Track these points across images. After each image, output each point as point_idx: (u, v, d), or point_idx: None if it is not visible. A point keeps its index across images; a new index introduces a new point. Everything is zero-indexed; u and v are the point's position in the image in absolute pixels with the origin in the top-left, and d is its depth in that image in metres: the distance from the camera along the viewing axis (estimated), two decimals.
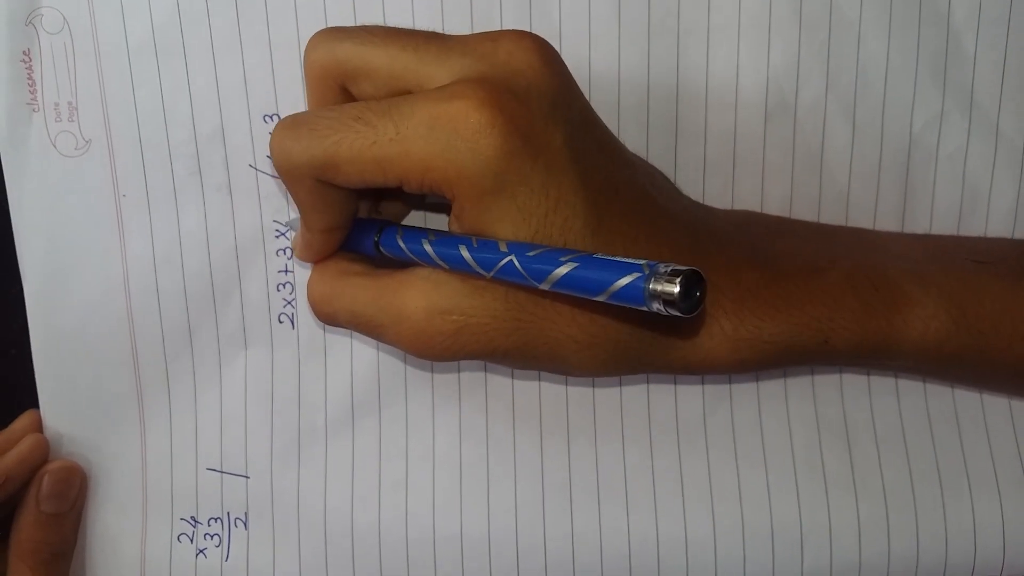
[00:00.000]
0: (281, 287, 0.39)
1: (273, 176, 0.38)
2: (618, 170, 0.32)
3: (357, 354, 0.40)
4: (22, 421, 0.40)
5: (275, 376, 0.40)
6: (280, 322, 0.39)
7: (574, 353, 0.31)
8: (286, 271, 0.39)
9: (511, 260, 0.28)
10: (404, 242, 0.32)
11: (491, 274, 0.28)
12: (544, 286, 0.27)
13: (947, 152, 0.38)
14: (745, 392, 0.39)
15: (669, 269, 0.24)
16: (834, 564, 0.39)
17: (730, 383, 0.39)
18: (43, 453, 0.39)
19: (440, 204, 0.38)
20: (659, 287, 0.24)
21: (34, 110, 0.38)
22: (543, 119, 0.29)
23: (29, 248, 0.39)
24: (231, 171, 0.38)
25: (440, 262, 0.30)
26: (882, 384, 0.40)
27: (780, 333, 0.32)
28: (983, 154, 0.38)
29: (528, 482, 0.40)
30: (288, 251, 0.39)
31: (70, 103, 0.38)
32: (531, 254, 0.27)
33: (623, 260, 0.25)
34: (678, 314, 0.24)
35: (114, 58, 0.37)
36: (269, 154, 0.32)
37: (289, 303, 0.39)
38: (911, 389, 0.40)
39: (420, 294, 0.30)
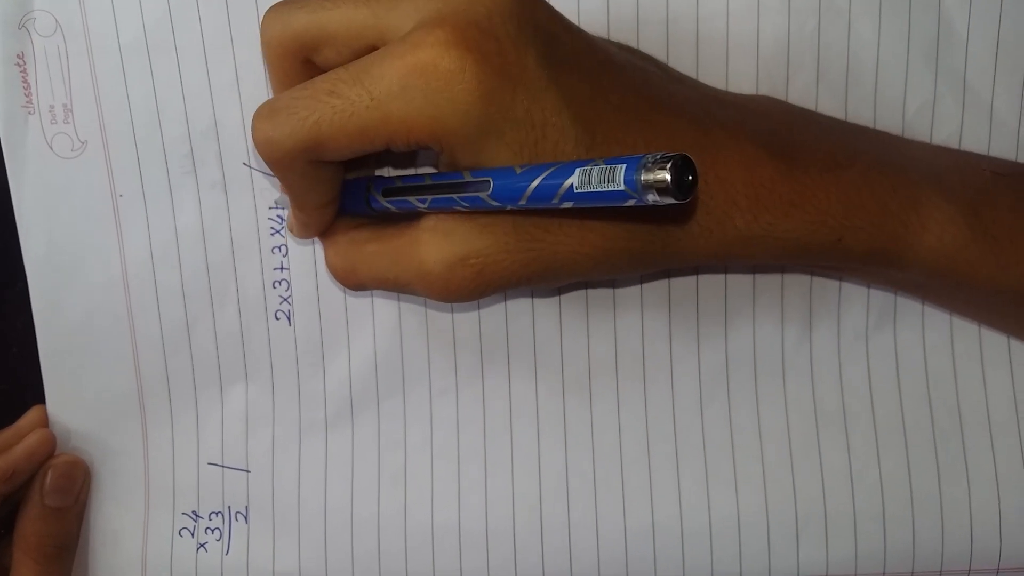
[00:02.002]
0: (277, 284, 0.40)
1: (267, 174, 0.39)
2: (604, 74, 0.31)
3: (355, 349, 0.40)
4: (29, 417, 0.41)
5: (274, 372, 0.40)
6: (277, 319, 0.40)
7: (591, 268, 0.31)
8: (282, 268, 0.39)
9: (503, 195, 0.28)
10: (397, 196, 0.32)
11: (507, 207, 0.28)
12: (522, 203, 0.27)
13: (941, 137, 0.37)
14: (743, 381, 0.39)
15: (658, 157, 0.23)
16: (830, 555, 0.39)
17: (726, 359, 0.39)
18: (49, 448, 0.40)
19: None
20: (650, 177, 0.23)
21: (30, 113, 0.38)
22: (512, 43, 0.28)
23: (32, 249, 0.39)
24: (225, 169, 0.39)
25: (433, 208, 0.30)
26: (882, 370, 0.39)
27: (794, 230, 0.31)
28: (978, 138, 0.37)
29: (525, 473, 0.40)
30: (284, 248, 0.39)
31: (65, 105, 0.38)
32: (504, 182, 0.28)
33: (608, 160, 0.25)
34: (673, 201, 0.23)
35: (107, 59, 0.38)
36: (254, 148, 0.32)
37: (285, 300, 0.40)
38: (913, 375, 0.39)
39: (434, 248, 0.30)
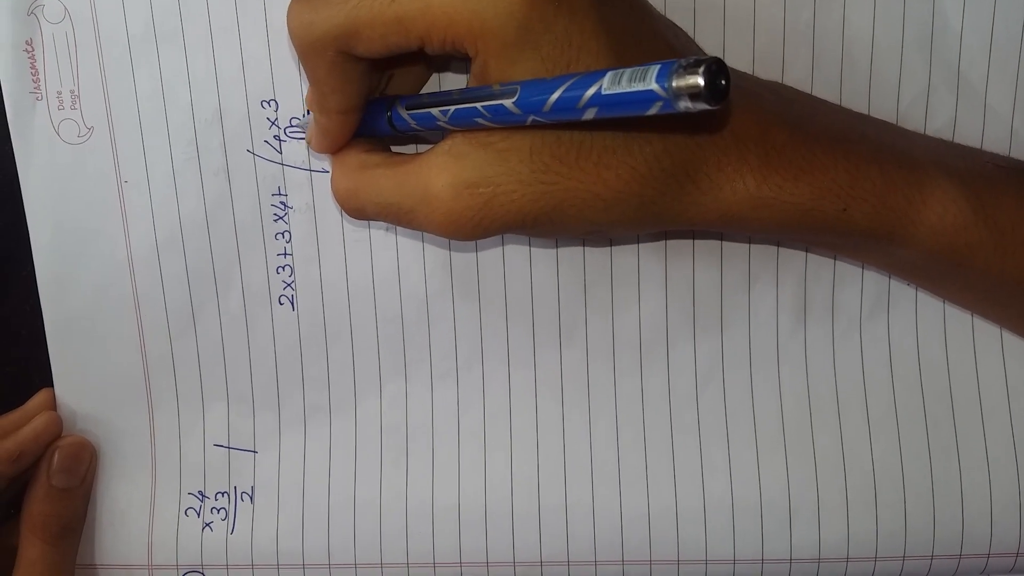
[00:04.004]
0: (280, 270, 0.40)
1: (270, 161, 0.39)
2: (638, 19, 0.31)
3: (357, 334, 0.41)
4: (37, 399, 0.41)
5: (278, 356, 0.41)
6: (280, 304, 0.40)
7: (601, 211, 0.30)
8: (285, 254, 0.40)
9: (542, 98, 0.27)
10: (421, 108, 0.31)
11: (528, 119, 0.28)
12: (546, 111, 0.26)
13: (935, 127, 0.38)
14: (738, 368, 0.40)
15: (691, 60, 0.23)
16: (822, 539, 0.39)
17: (722, 346, 0.40)
18: (56, 430, 0.41)
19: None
20: (682, 82, 0.23)
21: (37, 99, 0.39)
22: None
23: (39, 233, 0.40)
24: (229, 156, 0.39)
25: (454, 124, 0.30)
26: (875, 357, 0.40)
27: (801, 194, 0.31)
28: (972, 128, 0.38)
29: (524, 456, 0.41)
30: (287, 234, 0.40)
31: (72, 91, 0.39)
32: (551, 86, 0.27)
33: (639, 66, 0.24)
34: (705, 106, 0.23)
35: (114, 46, 0.38)
36: (287, 30, 0.30)
37: (288, 285, 0.40)
38: (906, 363, 0.40)
39: (444, 171, 0.30)
